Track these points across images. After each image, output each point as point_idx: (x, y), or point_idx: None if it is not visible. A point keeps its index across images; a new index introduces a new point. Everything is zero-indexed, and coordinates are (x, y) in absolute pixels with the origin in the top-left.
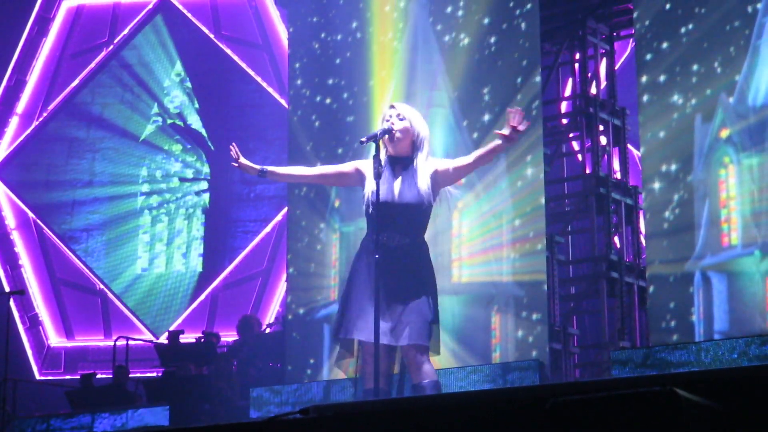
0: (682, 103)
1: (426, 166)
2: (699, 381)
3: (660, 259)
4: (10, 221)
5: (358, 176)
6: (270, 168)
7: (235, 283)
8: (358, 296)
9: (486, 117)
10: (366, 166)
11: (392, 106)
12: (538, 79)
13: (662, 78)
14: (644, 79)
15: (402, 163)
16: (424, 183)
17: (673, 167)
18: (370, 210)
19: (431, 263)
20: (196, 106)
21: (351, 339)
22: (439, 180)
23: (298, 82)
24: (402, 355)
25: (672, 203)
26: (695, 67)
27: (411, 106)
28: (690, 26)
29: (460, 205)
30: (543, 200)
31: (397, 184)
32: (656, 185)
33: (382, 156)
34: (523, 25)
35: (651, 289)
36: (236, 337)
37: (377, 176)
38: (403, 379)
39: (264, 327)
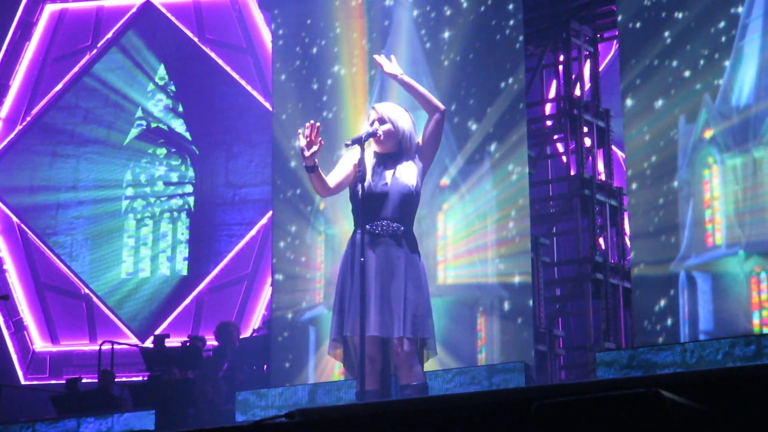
0: (665, 104)
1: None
2: (684, 382)
3: (645, 260)
4: None
5: (354, 175)
6: (319, 170)
7: (221, 286)
8: (353, 294)
9: (470, 119)
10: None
11: (373, 108)
12: (522, 81)
13: (646, 79)
14: (628, 80)
15: (392, 158)
16: (412, 171)
17: (658, 168)
18: (359, 203)
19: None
20: (180, 109)
21: (354, 336)
22: (422, 154)
23: (282, 84)
24: (392, 353)
25: (656, 204)
26: (679, 68)
27: (392, 104)
28: (673, 28)
29: (444, 207)
30: (528, 202)
31: (389, 175)
32: (640, 186)
33: (369, 155)
34: (506, 27)
35: (636, 290)
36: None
37: (362, 179)
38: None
39: (250, 331)
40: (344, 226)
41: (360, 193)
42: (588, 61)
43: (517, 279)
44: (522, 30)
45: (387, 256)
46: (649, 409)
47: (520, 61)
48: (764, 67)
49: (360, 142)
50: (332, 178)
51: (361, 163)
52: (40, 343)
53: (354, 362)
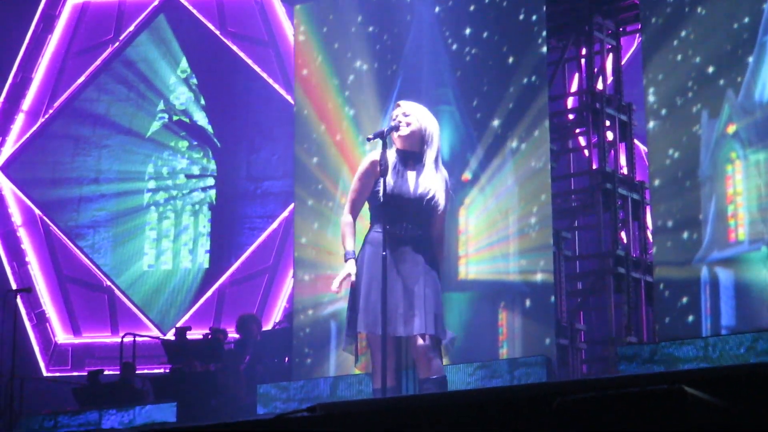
0: (688, 99)
1: (440, 168)
2: (707, 378)
3: (667, 254)
4: (17, 218)
5: (376, 177)
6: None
7: (242, 279)
8: (368, 290)
9: (492, 114)
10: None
11: (398, 105)
12: (544, 75)
13: (668, 73)
14: (650, 75)
15: (413, 158)
16: (438, 180)
17: (680, 163)
18: (380, 201)
19: (438, 258)
20: (202, 102)
21: (367, 333)
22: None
23: (304, 80)
24: (410, 348)
25: (678, 199)
26: (701, 62)
27: (417, 103)
28: (696, 23)
29: (466, 202)
30: (549, 196)
31: (411, 177)
32: (663, 181)
33: (391, 151)
34: (529, 22)
35: (658, 284)
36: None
37: (383, 173)
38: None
39: (272, 324)
40: (366, 221)
41: (381, 191)
42: (610, 55)
43: (539, 276)
44: (545, 24)
45: (406, 259)
46: (673, 405)
47: (542, 55)
48: None
49: (382, 136)
50: (354, 207)
51: (382, 157)
52: (62, 335)
53: (371, 358)
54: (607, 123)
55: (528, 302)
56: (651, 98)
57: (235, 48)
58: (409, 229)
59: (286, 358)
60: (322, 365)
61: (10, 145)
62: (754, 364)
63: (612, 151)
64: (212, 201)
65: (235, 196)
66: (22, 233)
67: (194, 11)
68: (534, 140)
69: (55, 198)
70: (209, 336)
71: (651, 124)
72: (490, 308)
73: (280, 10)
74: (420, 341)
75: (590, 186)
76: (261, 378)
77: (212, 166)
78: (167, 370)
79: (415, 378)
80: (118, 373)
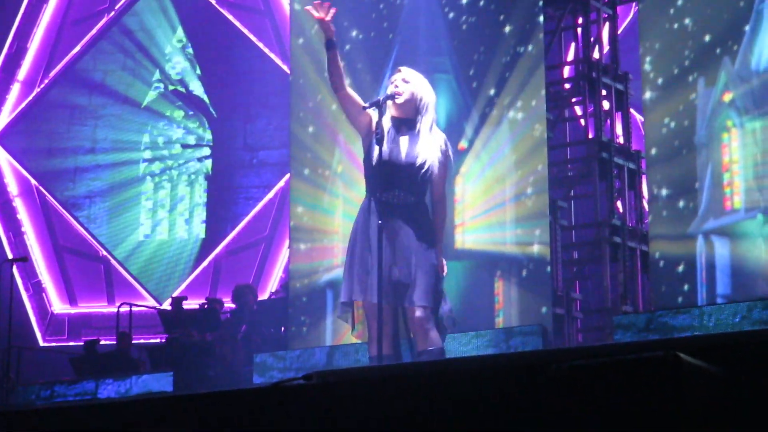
0: (684, 68)
1: (434, 134)
2: (703, 345)
3: (662, 223)
4: (13, 188)
5: (368, 125)
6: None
7: (238, 249)
8: (363, 258)
9: (488, 83)
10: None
11: (399, 70)
12: (541, 44)
13: (665, 42)
14: (647, 43)
15: (407, 125)
16: (432, 148)
17: (676, 131)
18: (373, 164)
19: (437, 226)
20: (198, 72)
21: (360, 301)
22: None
23: (300, 49)
24: (407, 320)
25: (674, 167)
26: (698, 31)
27: (416, 71)
28: None
29: (463, 170)
30: (546, 165)
31: (404, 144)
32: (659, 150)
33: (386, 119)
34: None
35: (654, 253)
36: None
37: (379, 142)
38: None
39: (268, 294)
40: (362, 189)
41: (375, 158)
42: (607, 24)
43: (535, 247)
44: None
45: (399, 228)
46: (668, 372)
47: (539, 24)
48: None
49: (378, 104)
50: (353, 93)
51: (378, 125)
52: (58, 305)
53: (366, 326)
54: (604, 92)
55: (524, 272)
56: (647, 67)
57: (231, 17)
58: (402, 197)
59: (282, 328)
60: (319, 334)
61: (6, 115)
62: (749, 331)
63: (608, 121)
64: (208, 171)
65: (232, 166)
66: (18, 203)
67: None
68: (530, 109)
69: (51, 168)
70: (205, 306)
71: (647, 93)
72: (486, 277)
73: None
74: (415, 313)
75: (586, 155)
76: (257, 347)
77: (208, 135)
78: (163, 340)
79: (413, 348)
80: (115, 342)
